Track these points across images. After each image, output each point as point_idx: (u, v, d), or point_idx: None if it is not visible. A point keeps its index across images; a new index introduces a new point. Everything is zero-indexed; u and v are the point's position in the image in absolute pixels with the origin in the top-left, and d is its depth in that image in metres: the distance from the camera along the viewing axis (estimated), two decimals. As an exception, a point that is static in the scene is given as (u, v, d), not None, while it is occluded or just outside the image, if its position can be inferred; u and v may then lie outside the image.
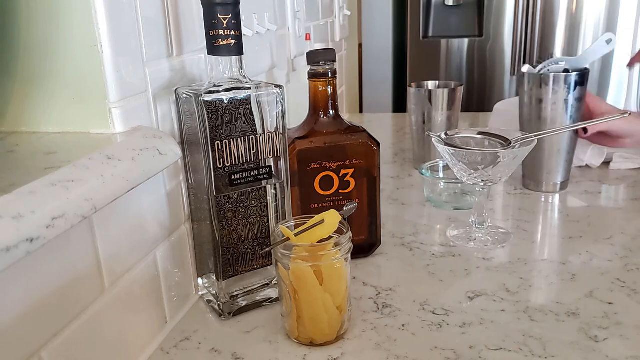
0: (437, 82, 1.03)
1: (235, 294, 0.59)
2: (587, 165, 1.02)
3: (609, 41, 0.91)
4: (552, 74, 0.85)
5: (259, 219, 0.58)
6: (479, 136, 0.76)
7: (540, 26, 1.91)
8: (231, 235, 0.57)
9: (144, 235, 0.53)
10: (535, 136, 0.73)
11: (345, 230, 0.54)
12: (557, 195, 0.91)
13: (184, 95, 0.54)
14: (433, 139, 0.74)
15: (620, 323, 0.56)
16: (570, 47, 1.92)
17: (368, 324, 0.58)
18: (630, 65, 0.86)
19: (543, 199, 0.90)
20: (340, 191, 0.67)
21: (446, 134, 0.76)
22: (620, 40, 1.87)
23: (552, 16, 1.89)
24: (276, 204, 0.59)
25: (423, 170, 0.89)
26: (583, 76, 0.85)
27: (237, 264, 0.58)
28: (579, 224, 0.80)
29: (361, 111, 2.22)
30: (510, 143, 0.73)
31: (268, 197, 0.58)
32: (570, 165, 0.92)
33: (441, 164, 0.92)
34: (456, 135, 0.76)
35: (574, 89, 0.85)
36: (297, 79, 0.98)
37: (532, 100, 0.87)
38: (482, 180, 0.72)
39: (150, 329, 0.55)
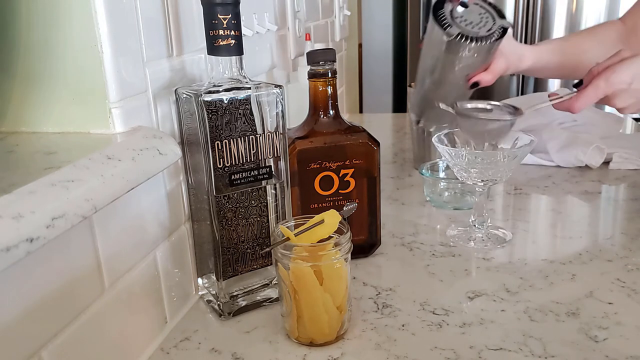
0: None
1: (235, 294, 0.59)
2: (586, 166, 1.01)
3: None
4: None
5: (259, 219, 0.58)
6: (489, 106, 0.76)
7: (540, 26, 1.91)
8: (231, 235, 0.57)
9: (144, 235, 0.53)
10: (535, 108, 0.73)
11: (345, 230, 0.54)
12: (557, 196, 0.91)
13: (184, 95, 0.54)
14: (433, 139, 0.74)
15: (620, 323, 0.56)
16: (570, 47, 1.92)
17: (368, 324, 0.57)
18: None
19: (543, 199, 0.90)
20: (340, 191, 0.67)
21: (457, 104, 0.74)
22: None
23: (552, 16, 1.89)
24: (276, 204, 0.59)
25: (423, 170, 0.89)
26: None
27: (237, 264, 0.58)
28: (579, 223, 0.80)
29: (361, 111, 2.22)
30: (522, 112, 0.72)
31: (268, 197, 0.58)
32: None
33: (441, 164, 0.92)
34: (467, 105, 0.76)
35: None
36: (297, 79, 0.98)
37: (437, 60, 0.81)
38: (482, 180, 0.72)
39: (150, 329, 0.55)
